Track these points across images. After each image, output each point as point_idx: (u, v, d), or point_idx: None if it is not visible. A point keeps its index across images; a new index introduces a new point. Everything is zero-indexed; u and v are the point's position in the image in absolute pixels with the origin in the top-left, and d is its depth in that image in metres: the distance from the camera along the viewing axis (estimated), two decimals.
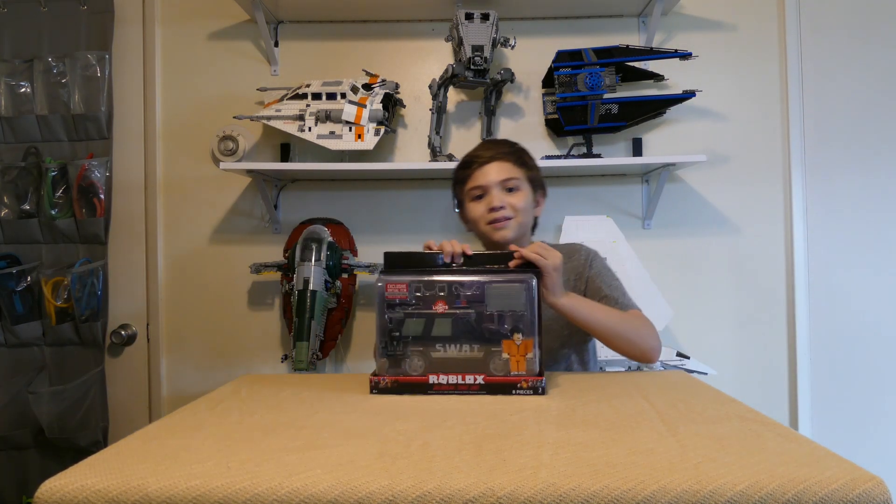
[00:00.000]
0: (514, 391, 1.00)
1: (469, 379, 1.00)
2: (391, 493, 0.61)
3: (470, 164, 1.43)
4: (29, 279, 1.84)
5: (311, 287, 1.70)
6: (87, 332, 1.83)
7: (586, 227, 1.89)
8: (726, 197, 1.95)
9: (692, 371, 1.73)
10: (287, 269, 1.78)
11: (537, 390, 1.00)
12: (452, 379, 1.00)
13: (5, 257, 1.83)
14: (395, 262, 1.10)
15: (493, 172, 1.40)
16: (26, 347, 1.85)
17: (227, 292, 1.95)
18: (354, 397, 1.01)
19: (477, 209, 1.41)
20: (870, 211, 1.94)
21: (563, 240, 1.87)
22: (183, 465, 0.67)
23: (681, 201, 1.95)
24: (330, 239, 1.79)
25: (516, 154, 1.45)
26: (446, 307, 1.01)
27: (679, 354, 1.78)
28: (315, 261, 1.72)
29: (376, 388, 1.01)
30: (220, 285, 1.95)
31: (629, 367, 1.76)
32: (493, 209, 1.38)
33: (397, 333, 1.01)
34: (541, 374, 1.02)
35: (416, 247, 1.95)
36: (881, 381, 1.92)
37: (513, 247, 1.16)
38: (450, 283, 1.01)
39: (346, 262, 1.80)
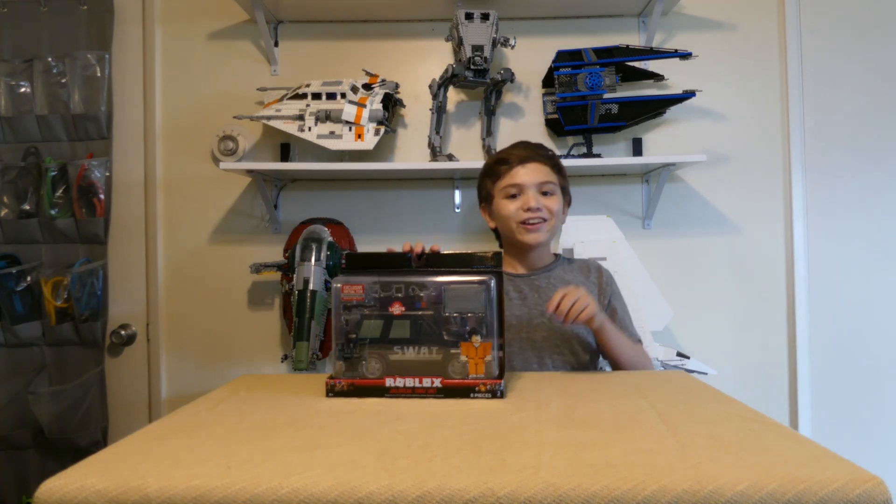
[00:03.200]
0: (471, 395, 0.98)
1: (426, 382, 0.98)
2: (391, 493, 0.61)
3: (507, 160, 1.43)
4: (29, 279, 1.84)
5: (311, 287, 1.69)
6: (87, 332, 1.83)
7: (586, 227, 1.88)
8: (726, 197, 1.95)
9: (692, 371, 1.73)
10: (287, 269, 1.77)
11: (496, 394, 0.97)
12: (409, 382, 0.98)
13: (5, 257, 1.83)
14: (358, 263, 1.08)
15: (533, 173, 1.40)
16: (26, 347, 1.85)
17: (227, 292, 1.95)
18: (354, 398, 1.01)
19: (510, 207, 1.41)
20: (870, 211, 1.94)
21: (564, 239, 1.87)
22: (183, 465, 0.67)
23: (681, 201, 1.95)
24: (330, 239, 1.78)
25: (553, 159, 1.46)
26: (403, 309, 0.99)
27: (679, 354, 1.77)
28: (315, 261, 1.72)
29: (332, 392, 0.99)
30: (220, 285, 1.95)
31: None
32: (529, 209, 1.38)
33: (354, 335, 0.99)
34: (500, 376, 0.99)
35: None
36: (881, 381, 1.92)
37: (552, 306, 1.22)
38: (407, 285, 0.99)
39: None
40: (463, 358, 0.99)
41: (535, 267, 1.48)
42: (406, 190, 1.97)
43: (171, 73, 1.97)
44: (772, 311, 1.94)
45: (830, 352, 1.93)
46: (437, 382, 0.99)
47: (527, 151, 1.43)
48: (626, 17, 1.96)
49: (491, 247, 1.93)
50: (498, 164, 1.44)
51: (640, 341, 1.48)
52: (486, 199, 1.50)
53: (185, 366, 1.95)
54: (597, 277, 1.48)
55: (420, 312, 1.00)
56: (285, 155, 1.93)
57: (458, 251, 1.09)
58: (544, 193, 1.41)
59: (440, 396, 0.98)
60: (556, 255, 1.54)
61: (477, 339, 0.99)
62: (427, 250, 1.11)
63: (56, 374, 1.86)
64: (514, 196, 1.41)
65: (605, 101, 1.79)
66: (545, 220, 1.40)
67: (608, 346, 1.33)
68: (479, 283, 1.00)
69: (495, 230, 1.54)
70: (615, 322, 1.42)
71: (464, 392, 0.98)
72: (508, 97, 1.95)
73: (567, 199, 1.50)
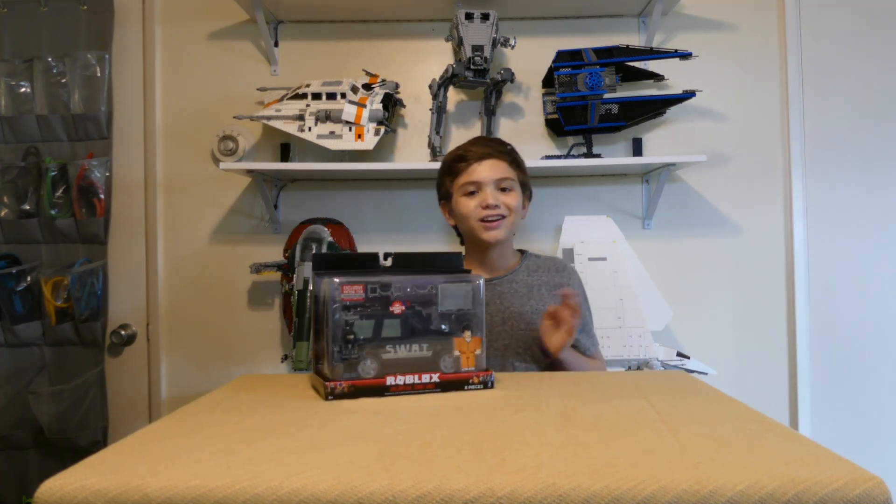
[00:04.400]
0: (466, 387, 1.03)
1: (425, 378, 1.01)
2: (391, 493, 0.61)
3: (464, 157, 1.42)
4: (29, 279, 1.83)
5: (311, 287, 1.69)
6: (87, 332, 1.83)
7: (586, 227, 1.89)
8: (726, 197, 1.95)
9: (692, 371, 1.73)
10: (287, 269, 1.78)
11: (487, 384, 1.05)
12: (409, 379, 1.01)
13: (5, 257, 1.83)
14: (327, 264, 1.10)
15: (490, 170, 1.39)
16: (26, 347, 1.85)
17: (227, 292, 1.95)
18: (354, 398, 1.01)
19: (468, 205, 1.40)
20: (870, 211, 1.94)
21: (564, 239, 1.87)
22: (183, 465, 0.67)
23: (681, 201, 1.95)
24: (330, 239, 1.79)
25: (511, 155, 1.45)
26: (403, 308, 1.02)
27: (679, 354, 1.78)
28: None
29: (332, 395, 0.99)
30: (220, 285, 1.95)
31: (629, 367, 1.76)
32: (487, 206, 1.37)
33: (351, 336, 1.00)
34: (487, 369, 1.06)
35: (416, 246, 1.96)
36: (881, 381, 1.92)
37: (553, 312, 1.27)
38: (404, 284, 1.02)
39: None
40: (456, 353, 1.04)
41: (496, 268, 1.47)
42: (406, 190, 1.97)
43: (171, 73, 1.97)
44: (772, 311, 1.94)
45: (830, 352, 1.93)
46: (435, 378, 1.02)
47: (485, 148, 1.42)
48: (626, 17, 1.96)
49: None
50: (456, 161, 1.44)
51: (596, 346, 1.50)
52: (445, 197, 1.49)
53: (185, 366, 1.95)
54: (568, 279, 1.47)
55: (414, 311, 1.02)
56: (285, 155, 1.93)
57: (423, 251, 1.12)
58: (503, 190, 1.40)
59: (437, 391, 1.02)
60: (522, 252, 1.53)
61: (468, 334, 1.04)
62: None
63: (56, 374, 1.86)
64: (472, 193, 1.40)
65: (605, 101, 1.79)
66: (503, 217, 1.39)
67: (564, 367, 1.35)
68: (470, 282, 1.05)
69: (455, 227, 1.52)
70: (581, 329, 1.43)
71: (458, 385, 1.03)
72: (508, 97, 1.95)
73: (528, 195, 1.49)
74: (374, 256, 1.10)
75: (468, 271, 1.11)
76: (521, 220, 1.47)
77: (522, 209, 1.47)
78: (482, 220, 1.39)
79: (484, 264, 1.47)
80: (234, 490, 0.62)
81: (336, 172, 1.87)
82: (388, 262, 1.11)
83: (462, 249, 1.56)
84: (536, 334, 1.36)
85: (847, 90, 1.95)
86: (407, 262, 1.11)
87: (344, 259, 1.18)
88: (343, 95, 1.78)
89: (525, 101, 1.97)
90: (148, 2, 1.95)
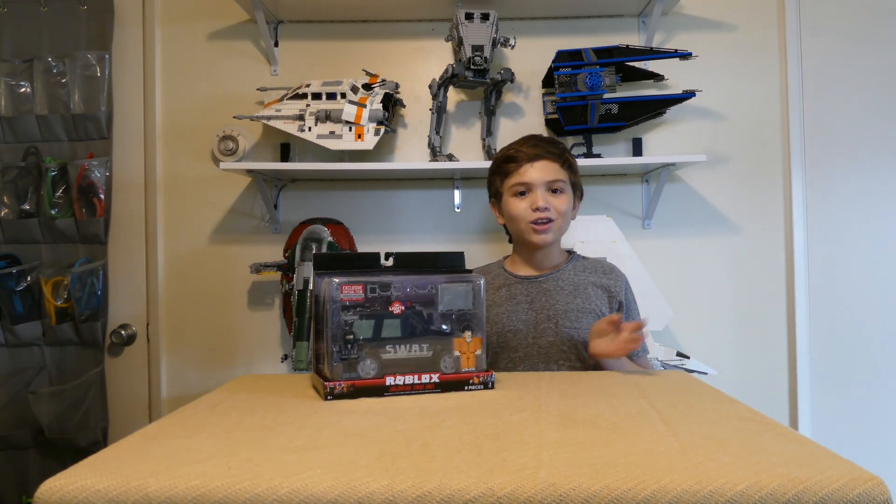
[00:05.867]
0: (466, 387, 1.03)
1: (425, 378, 1.01)
2: (391, 493, 0.61)
3: (515, 158, 1.41)
4: (29, 279, 1.83)
5: (311, 287, 1.70)
6: (87, 332, 1.83)
7: (586, 226, 1.88)
8: (726, 197, 1.95)
9: (692, 371, 1.73)
10: (287, 269, 1.78)
11: (487, 385, 1.04)
12: (409, 379, 1.01)
13: (5, 257, 1.83)
14: (327, 264, 1.09)
15: (541, 171, 1.38)
16: (26, 347, 1.85)
17: (227, 292, 1.95)
18: (354, 399, 1.01)
19: (519, 206, 1.40)
20: (869, 211, 1.94)
21: (564, 239, 1.87)
22: (183, 465, 0.67)
23: (681, 201, 1.95)
24: (330, 239, 1.79)
25: (563, 156, 1.43)
26: (403, 308, 1.02)
27: (679, 354, 1.77)
28: None
29: (331, 395, 0.98)
30: (220, 285, 1.95)
31: None
32: (537, 209, 1.37)
33: (351, 336, 1.00)
34: (487, 369, 1.06)
35: (416, 246, 1.96)
36: (881, 381, 1.92)
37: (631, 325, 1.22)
38: (404, 284, 1.02)
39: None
40: (456, 353, 1.04)
41: (543, 267, 1.46)
42: (406, 190, 1.97)
43: (171, 73, 1.97)
44: (772, 311, 1.94)
45: (830, 352, 1.93)
46: (435, 378, 1.02)
47: (536, 149, 1.40)
48: (626, 17, 1.96)
49: (491, 245, 1.93)
50: (507, 161, 1.43)
51: (645, 353, 1.47)
52: (495, 196, 1.48)
53: (185, 366, 1.95)
54: (611, 281, 1.45)
55: (415, 311, 1.02)
56: (285, 155, 1.93)
57: (425, 251, 1.12)
58: (553, 192, 1.40)
59: (437, 391, 1.02)
60: (570, 252, 1.53)
61: (469, 334, 1.04)
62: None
63: (56, 374, 1.86)
64: (522, 194, 1.40)
65: (605, 101, 1.79)
66: (552, 221, 1.38)
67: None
68: (469, 282, 1.05)
69: (504, 226, 1.53)
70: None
71: (458, 385, 1.03)
72: (508, 97, 1.95)
73: (578, 195, 1.48)
74: (376, 256, 1.10)
75: (469, 271, 1.11)
76: (570, 222, 1.47)
77: (573, 210, 1.46)
78: (532, 223, 1.38)
79: (531, 263, 1.47)
80: (234, 490, 0.62)
81: (336, 172, 1.87)
82: (390, 262, 1.11)
83: (499, 249, 1.55)
84: (582, 333, 1.36)
85: (847, 90, 1.95)
86: (408, 262, 1.11)
87: (345, 259, 1.18)
88: (343, 95, 1.78)
89: (525, 101, 1.97)
90: (148, 2, 1.95)
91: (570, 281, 1.44)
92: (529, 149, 1.41)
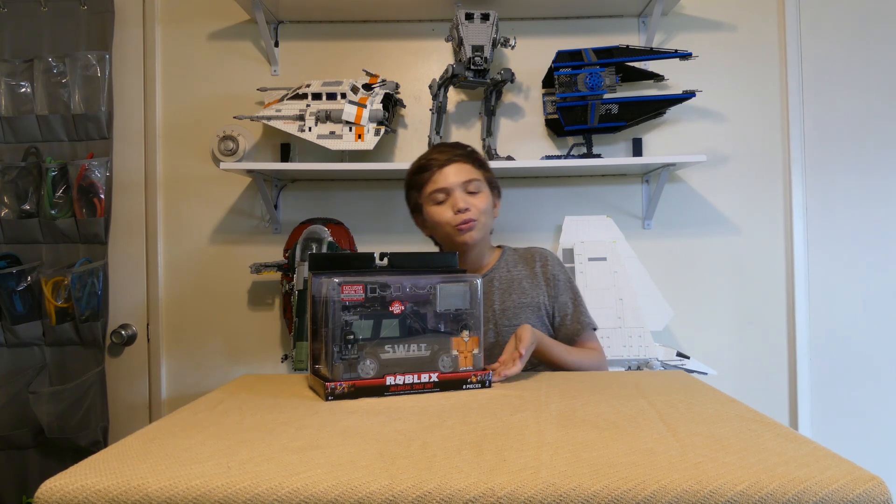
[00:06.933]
0: (464, 386, 1.05)
1: (424, 377, 1.02)
2: (391, 493, 0.61)
3: (427, 167, 1.41)
4: (29, 279, 1.84)
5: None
6: (88, 332, 1.83)
7: (586, 227, 1.89)
8: (726, 197, 1.95)
9: (692, 371, 1.73)
10: (287, 269, 1.78)
11: (485, 384, 1.06)
12: (409, 379, 1.02)
13: (5, 257, 1.83)
14: (322, 265, 1.10)
15: (455, 174, 1.39)
16: (26, 347, 1.85)
17: (227, 292, 1.95)
18: (355, 399, 1.01)
19: (442, 212, 1.39)
20: (870, 211, 1.94)
21: (564, 239, 1.88)
22: (183, 465, 0.68)
23: (681, 201, 1.95)
24: (330, 239, 1.79)
25: (472, 156, 1.45)
26: (402, 308, 1.02)
27: (679, 354, 1.78)
28: None
29: (332, 395, 0.99)
30: (220, 285, 1.95)
31: (629, 367, 1.76)
32: (459, 211, 1.37)
33: (351, 336, 1.00)
34: (484, 368, 1.07)
35: (416, 247, 1.96)
36: (881, 381, 1.92)
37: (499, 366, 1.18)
38: (403, 284, 1.02)
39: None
40: (454, 352, 1.05)
41: (476, 268, 1.47)
42: None
43: (171, 73, 1.97)
44: (772, 311, 1.94)
45: (830, 352, 1.93)
46: (434, 377, 1.03)
47: (444, 154, 1.42)
48: (626, 17, 1.96)
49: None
50: (419, 172, 1.43)
51: (594, 328, 1.45)
52: (416, 210, 1.49)
53: (185, 366, 1.95)
54: (541, 268, 1.46)
55: (414, 310, 1.03)
56: (285, 155, 1.93)
57: (421, 251, 1.12)
58: (471, 193, 1.40)
59: (436, 390, 1.03)
60: (501, 248, 1.53)
61: (467, 333, 1.06)
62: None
63: (56, 374, 1.86)
64: (441, 201, 1.40)
65: (605, 101, 1.79)
66: (474, 220, 1.38)
67: (551, 363, 1.32)
68: (466, 282, 1.07)
69: (431, 237, 1.52)
70: (565, 316, 1.42)
71: (457, 384, 1.04)
72: (508, 97, 1.96)
73: (496, 192, 1.48)
74: (370, 256, 1.11)
75: (464, 271, 1.11)
76: (493, 219, 1.47)
77: (494, 207, 1.46)
78: (456, 226, 1.38)
79: (464, 267, 1.47)
80: (234, 490, 0.62)
81: (336, 172, 1.87)
82: (384, 262, 1.11)
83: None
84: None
85: (847, 90, 1.95)
86: (403, 262, 1.12)
87: (340, 259, 1.18)
88: (343, 95, 1.78)
89: (525, 101, 1.97)
90: (148, 2, 1.96)
91: (503, 279, 1.45)
92: (439, 155, 1.42)
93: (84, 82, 1.85)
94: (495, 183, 1.48)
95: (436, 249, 1.58)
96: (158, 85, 1.96)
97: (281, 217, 1.96)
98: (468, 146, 1.47)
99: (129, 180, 1.93)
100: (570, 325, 1.43)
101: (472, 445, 0.74)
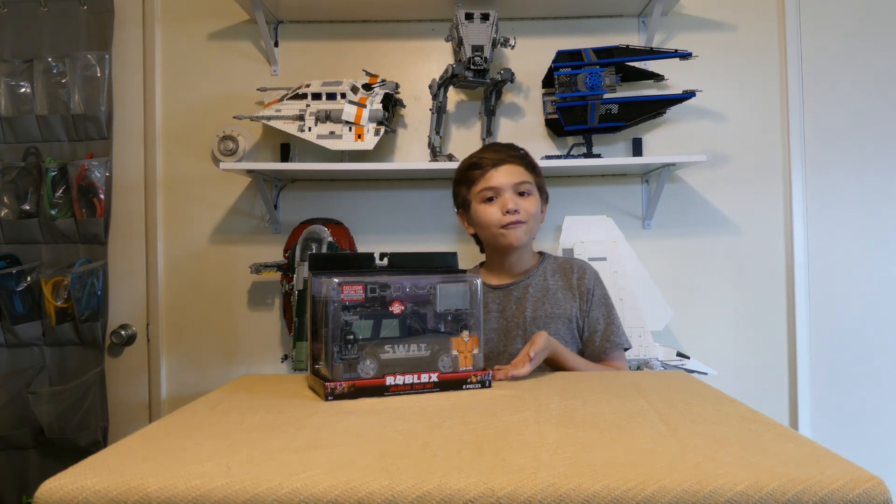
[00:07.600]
0: (464, 386, 1.05)
1: (424, 377, 1.02)
2: (391, 493, 0.61)
3: (480, 165, 1.41)
4: (29, 279, 1.83)
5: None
6: (87, 332, 1.83)
7: (586, 227, 1.89)
8: (726, 197, 1.95)
9: (692, 371, 1.73)
10: (287, 269, 1.78)
11: (485, 384, 1.06)
12: (409, 379, 1.01)
13: (5, 257, 1.83)
14: (321, 265, 1.10)
15: (507, 175, 1.39)
16: (26, 347, 1.85)
17: (227, 292, 1.95)
18: (355, 399, 1.01)
19: (490, 212, 1.39)
20: (870, 211, 1.94)
21: (564, 239, 1.87)
22: (183, 465, 0.67)
23: (681, 201, 1.95)
24: (330, 239, 1.79)
25: (525, 158, 1.45)
26: (402, 308, 1.02)
27: (679, 354, 1.78)
28: None
29: (332, 395, 0.98)
30: (220, 285, 1.95)
31: (629, 367, 1.76)
32: (508, 212, 1.37)
33: (351, 336, 1.00)
34: (484, 368, 1.07)
35: (416, 246, 1.96)
36: (881, 382, 1.92)
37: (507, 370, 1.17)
38: (403, 284, 1.03)
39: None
40: (454, 352, 1.05)
41: (514, 272, 1.47)
42: (406, 190, 1.97)
43: (171, 73, 1.97)
44: (772, 311, 1.94)
45: (830, 352, 1.93)
46: (434, 377, 1.03)
47: (499, 154, 1.42)
48: (626, 17, 1.96)
49: None
50: (471, 168, 1.43)
51: (626, 348, 1.44)
52: (462, 206, 1.48)
53: (185, 366, 1.95)
54: (577, 280, 1.45)
55: (414, 310, 1.03)
56: (285, 155, 1.93)
57: (420, 251, 1.12)
58: (521, 194, 1.40)
59: (436, 390, 1.03)
60: (541, 254, 1.52)
61: (466, 333, 1.06)
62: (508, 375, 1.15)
63: (56, 374, 1.86)
64: (490, 199, 1.40)
65: (605, 101, 1.79)
66: (523, 223, 1.38)
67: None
68: (466, 281, 1.06)
69: (475, 235, 1.52)
70: (594, 332, 1.41)
71: (457, 384, 1.04)
72: (508, 97, 1.95)
73: (544, 198, 1.48)
74: (370, 256, 1.11)
75: (464, 271, 1.11)
76: (540, 224, 1.47)
77: (541, 213, 1.46)
78: (503, 227, 1.38)
79: (503, 269, 1.47)
80: (234, 490, 0.62)
81: (336, 172, 1.87)
82: (384, 262, 1.11)
83: (468, 258, 1.55)
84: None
85: (847, 90, 1.95)
86: (403, 262, 1.12)
87: (340, 259, 1.18)
88: (343, 95, 1.78)
89: (525, 101, 1.97)
90: (148, 2, 1.96)
91: (539, 287, 1.44)
92: (492, 154, 1.42)
93: (84, 82, 1.85)
94: (544, 188, 1.48)
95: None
96: (158, 85, 1.96)
97: (281, 217, 1.96)
98: (522, 148, 1.47)
99: (128, 180, 1.93)
100: (598, 343, 1.41)
101: (472, 445, 0.74)
